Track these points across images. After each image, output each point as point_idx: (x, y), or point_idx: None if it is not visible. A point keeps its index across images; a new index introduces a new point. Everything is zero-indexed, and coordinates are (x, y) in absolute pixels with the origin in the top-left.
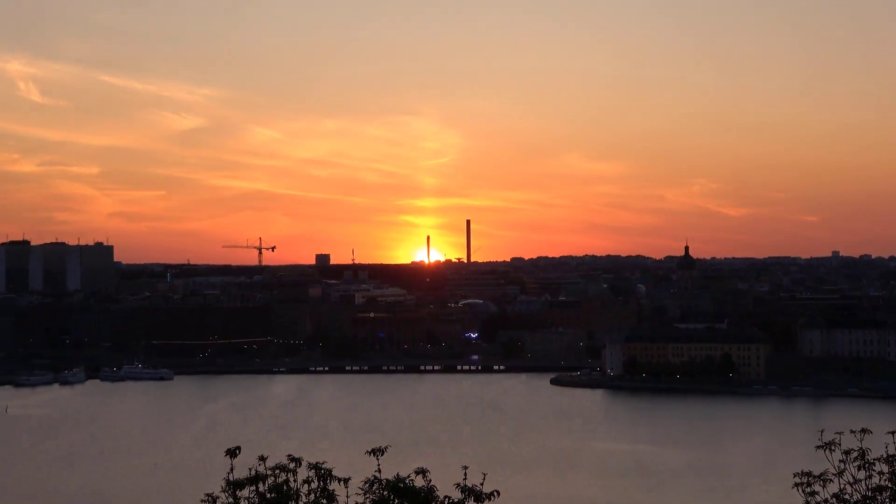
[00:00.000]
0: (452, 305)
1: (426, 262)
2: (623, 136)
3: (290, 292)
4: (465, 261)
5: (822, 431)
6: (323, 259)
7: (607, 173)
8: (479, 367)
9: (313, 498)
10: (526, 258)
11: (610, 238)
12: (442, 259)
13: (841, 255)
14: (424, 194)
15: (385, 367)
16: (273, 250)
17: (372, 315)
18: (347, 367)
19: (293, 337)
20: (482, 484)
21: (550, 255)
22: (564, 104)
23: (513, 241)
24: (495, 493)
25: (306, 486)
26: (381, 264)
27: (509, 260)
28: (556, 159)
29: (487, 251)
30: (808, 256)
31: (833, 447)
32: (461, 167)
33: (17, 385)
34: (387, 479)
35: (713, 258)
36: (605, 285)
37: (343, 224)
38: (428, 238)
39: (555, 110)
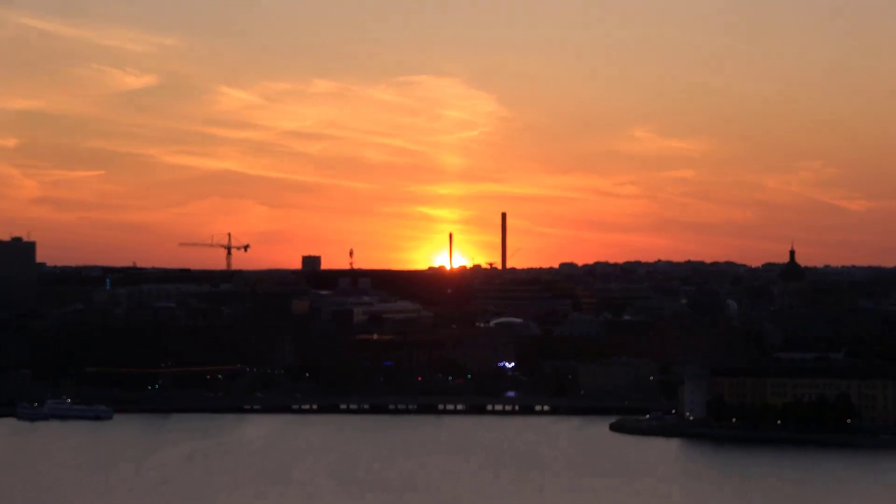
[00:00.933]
0: (482, 325)
1: (448, 267)
2: (708, 105)
3: (267, 306)
4: (500, 267)
5: None
6: (312, 263)
7: (687, 153)
8: (517, 408)
9: None
10: (579, 264)
11: (691, 238)
12: (468, 264)
13: None
14: (446, 179)
15: (392, 407)
16: (246, 250)
17: (375, 337)
18: (342, 406)
19: (271, 365)
20: None
21: (612, 261)
22: (632, 64)
23: (562, 242)
24: None
25: None
26: (389, 270)
27: (557, 266)
28: (621, 135)
29: (529, 255)
30: None
31: None
32: (495, 143)
33: None
34: None
35: (826, 266)
36: (683, 301)
37: (339, 217)
38: (450, 237)
39: (620, 72)
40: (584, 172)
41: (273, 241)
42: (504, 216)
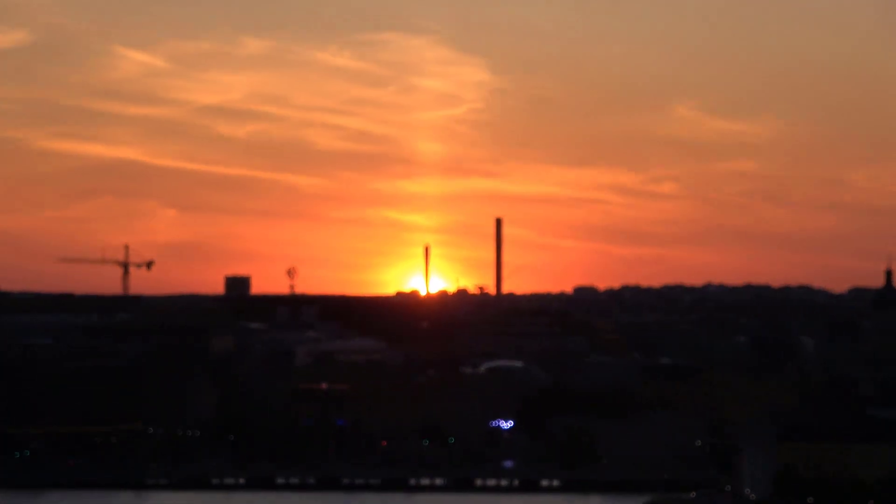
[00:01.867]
0: (469, 371)
1: (423, 293)
2: (776, 75)
3: (178, 344)
4: (493, 292)
5: None
6: (238, 285)
7: (747, 139)
8: (516, 483)
9: None
10: (601, 288)
11: (752, 255)
12: (451, 289)
13: None
14: (421, 172)
15: (347, 481)
16: (150, 268)
17: (325, 386)
18: (279, 480)
19: (183, 423)
20: None
21: (645, 284)
22: (672, 18)
23: (578, 259)
24: None
25: None
26: (343, 296)
27: (571, 292)
28: (657, 114)
29: (532, 275)
30: None
31: None
32: (487, 124)
33: None
34: None
35: None
36: (742, 338)
37: (276, 224)
38: (426, 251)
39: (655, 28)
40: (606, 164)
41: (186, 255)
42: (499, 223)
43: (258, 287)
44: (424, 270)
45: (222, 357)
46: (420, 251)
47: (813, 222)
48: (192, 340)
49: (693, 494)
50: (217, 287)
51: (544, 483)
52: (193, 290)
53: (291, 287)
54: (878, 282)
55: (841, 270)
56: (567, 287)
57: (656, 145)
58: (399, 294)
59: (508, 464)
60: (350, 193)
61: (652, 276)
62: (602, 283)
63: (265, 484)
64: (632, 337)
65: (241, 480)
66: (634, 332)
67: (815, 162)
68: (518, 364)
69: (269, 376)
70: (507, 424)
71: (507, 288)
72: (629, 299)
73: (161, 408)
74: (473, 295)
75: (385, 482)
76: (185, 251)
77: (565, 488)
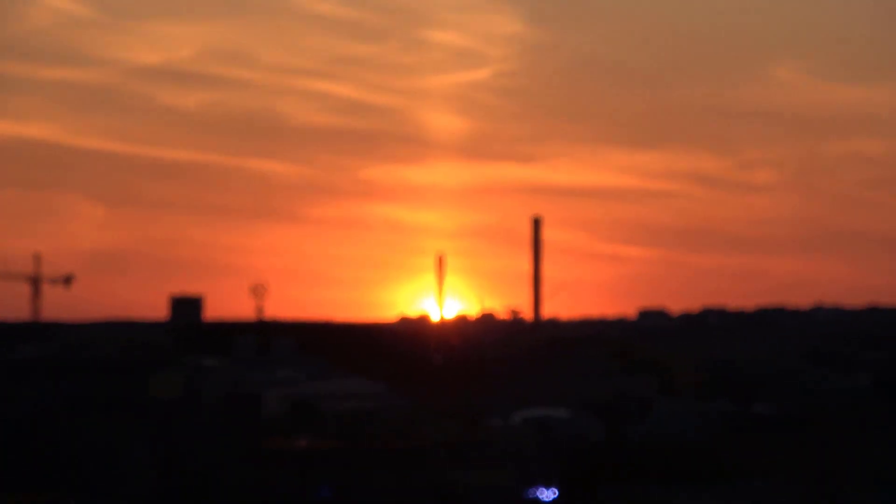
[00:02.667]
0: (498, 423)
1: (435, 317)
2: None
3: (105, 387)
4: (530, 317)
5: None
6: (188, 308)
7: (868, 109)
8: None
9: None
10: (675, 311)
11: (876, 266)
12: (473, 312)
13: None
14: (433, 154)
15: None
16: (68, 284)
17: (304, 444)
18: None
19: (111, 494)
20: None
21: (733, 306)
22: None
23: (644, 271)
24: None
25: None
26: (329, 322)
27: (634, 316)
28: (750, 76)
29: (581, 294)
30: None
31: None
32: (522, 91)
33: None
34: None
35: None
36: (863, 377)
37: (238, 225)
38: (440, 261)
39: None
40: (682, 145)
41: (118, 268)
42: (537, 225)
43: (214, 310)
44: (437, 288)
45: (166, 405)
46: (431, 262)
47: None
48: (124, 383)
49: None
50: (159, 310)
51: None
52: (127, 315)
53: (259, 310)
54: None
55: None
56: (629, 310)
57: (748, 120)
58: (403, 320)
59: None
60: (337, 185)
61: (743, 296)
62: (676, 305)
63: None
64: (715, 377)
65: None
66: (719, 370)
67: None
68: (563, 413)
69: (228, 430)
70: (548, 494)
71: (548, 311)
72: (713, 326)
73: (84, 471)
74: (503, 321)
75: None
76: (115, 262)
77: None
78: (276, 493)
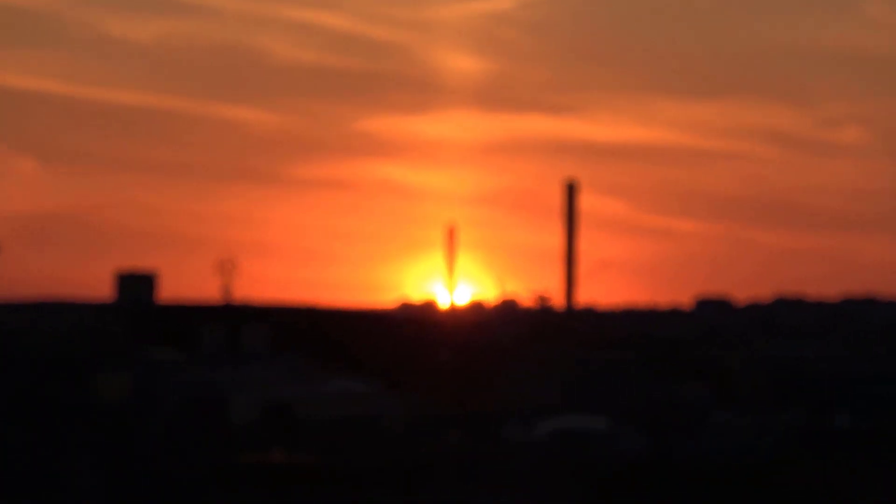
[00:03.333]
0: (520, 435)
1: (444, 303)
2: None
3: (35, 387)
4: (561, 304)
5: None
6: (139, 287)
7: None
8: None
9: None
10: (739, 300)
11: None
12: (491, 297)
13: None
14: (445, 102)
15: None
16: None
17: (280, 458)
18: None
19: None
20: None
21: (811, 296)
22: None
23: (702, 250)
24: None
25: None
26: (313, 308)
27: (689, 306)
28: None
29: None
30: None
31: None
32: (553, 25)
33: None
34: None
35: None
36: None
37: (202, 187)
38: (451, 233)
39: None
40: (750, 96)
41: (52, 236)
42: (571, 190)
43: (171, 290)
44: (447, 267)
45: (111, 408)
46: (440, 235)
47: None
48: (60, 382)
49: None
50: (103, 290)
51: None
52: (63, 295)
53: (226, 292)
54: None
55: None
56: (683, 298)
57: (832, 65)
58: (405, 306)
59: None
60: (326, 138)
61: (824, 282)
62: (741, 294)
63: None
64: (787, 382)
65: None
66: (792, 374)
67: None
68: (599, 424)
69: (188, 441)
70: None
71: (583, 297)
72: (785, 320)
73: (17, 488)
74: (528, 309)
75: None
76: (49, 229)
77: None
78: None
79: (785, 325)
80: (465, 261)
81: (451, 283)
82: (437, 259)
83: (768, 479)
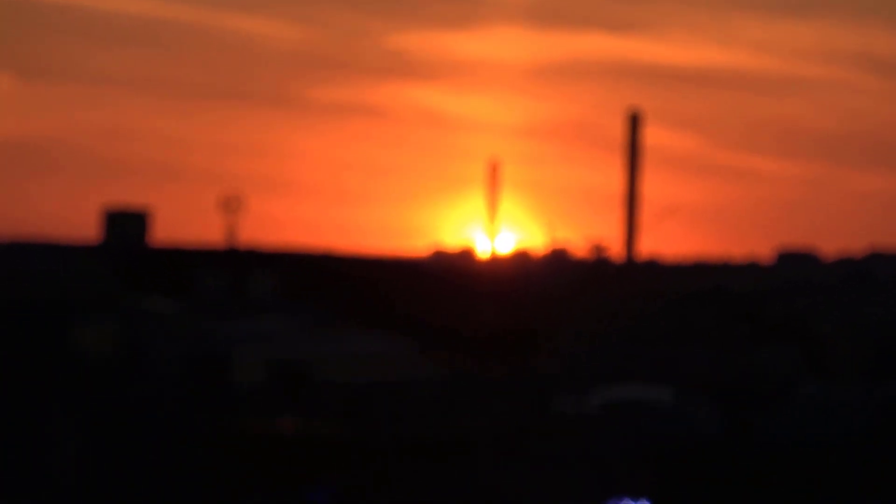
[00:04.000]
0: (571, 407)
1: (485, 251)
2: None
3: (11, 338)
4: (621, 255)
5: None
6: (129, 226)
7: None
8: None
9: None
10: (828, 256)
11: None
12: (539, 246)
13: None
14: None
15: None
16: None
17: (292, 426)
18: None
19: (28, 486)
20: None
21: None
22: None
23: (788, 194)
24: None
25: None
26: (332, 254)
27: (773, 259)
28: None
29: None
30: None
31: None
32: None
33: None
34: None
35: None
36: None
37: (203, 108)
38: (494, 170)
39: None
40: (847, 13)
41: (28, 164)
42: (635, 121)
43: (167, 231)
44: (489, 210)
45: (97, 365)
46: (481, 172)
47: None
48: (38, 332)
49: None
50: (88, 228)
51: None
52: (41, 234)
53: (230, 233)
54: None
55: None
56: (763, 251)
57: None
58: (439, 254)
59: None
60: (350, 56)
61: None
62: (832, 246)
63: None
64: (885, 350)
65: None
66: (890, 340)
67: None
68: (664, 396)
69: (183, 405)
70: None
71: (646, 248)
72: (883, 277)
73: None
74: (582, 260)
75: None
76: (25, 155)
77: None
78: (249, 495)
79: (882, 282)
80: (509, 203)
81: (493, 228)
82: (477, 200)
83: (863, 458)
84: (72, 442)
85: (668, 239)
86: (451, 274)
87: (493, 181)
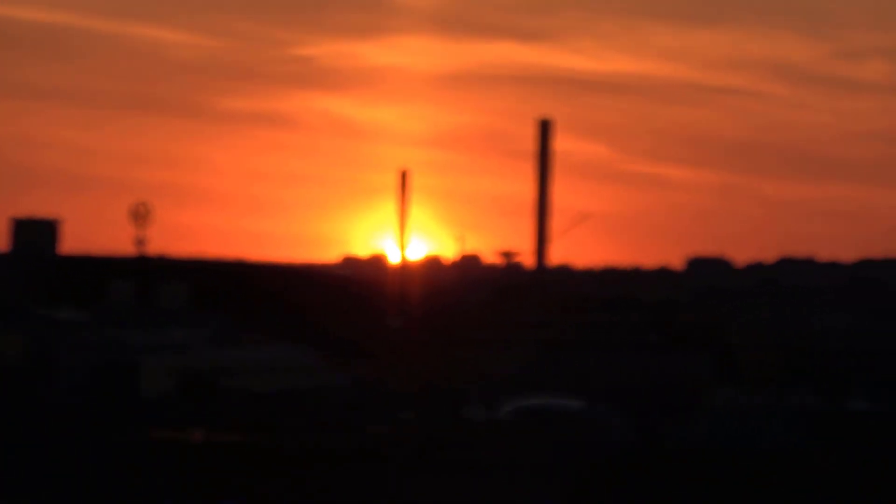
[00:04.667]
0: (481, 416)
1: (394, 259)
2: None
3: None
4: (531, 262)
5: None
6: (38, 235)
7: None
8: None
9: None
10: (738, 261)
11: None
12: (449, 253)
13: None
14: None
15: None
16: None
17: (199, 437)
18: None
19: None
20: None
21: (822, 256)
22: None
23: (696, 202)
24: None
25: None
26: (242, 262)
27: (681, 266)
28: None
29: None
30: None
31: None
32: None
33: None
34: None
35: None
36: None
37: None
38: (403, 178)
39: None
40: (754, 21)
41: None
42: (545, 129)
43: (76, 241)
44: (399, 218)
45: (3, 375)
46: (392, 180)
47: None
48: None
49: None
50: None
51: None
52: None
53: (139, 242)
54: None
55: None
56: (674, 258)
57: None
58: (347, 260)
59: None
60: (260, 65)
61: (838, 243)
62: (741, 254)
63: None
64: (795, 357)
65: None
66: (800, 347)
67: None
68: (575, 404)
69: (91, 415)
70: None
71: (557, 256)
72: (792, 283)
73: None
74: (492, 267)
75: None
76: None
77: None
78: None
79: (791, 289)
80: (419, 211)
81: (402, 236)
82: (387, 209)
83: (774, 466)
84: None
85: (578, 247)
86: (358, 282)
87: (403, 189)
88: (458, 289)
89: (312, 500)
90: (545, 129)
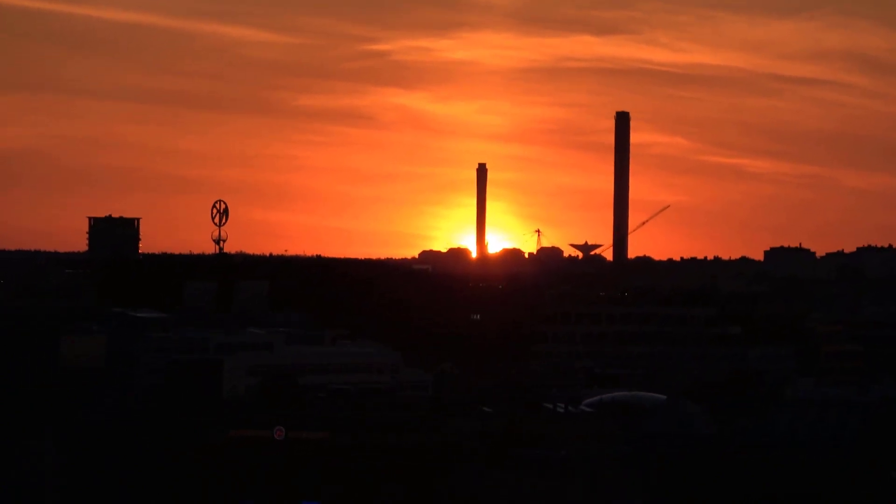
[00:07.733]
0: (561, 409)
1: (472, 254)
2: None
3: None
4: (610, 255)
5: None
6: (116, 236)
7: None
8: None
9: None
10: (819, 253)
11: None
12: (527, 247)
13: None
14: (479, 19)
15: None
16: None
17: (281, 434)
18: None
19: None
20: None
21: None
22: None
23: (778, 194)
24: None
25: None
26: (320, 258)
27: (762, 257)
28: None
29: (687, 223)
30: None
31: None
32: None
33: None
34: None
35: None
36: None
37: (191, 118)
38: (481, 172)
39: None
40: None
41: (16, 176)
42: (622, 122)
43: (153, 241)
44: (477, 213)
45: (82, 375)
46: (469, 175)
47: None
48: (23, 343)
49: None
50: (76, 239)
51: None
52: (26, 246)
53: (219, 241)
54: None
55: None
56: (756, 250)
57: None
58: (424, 254)
59: None
60: (337, 62)
61: None
62: (822, 244)
63: None
64: (877, 349)
65: None
66: (882, 339)
67: None
68: (656, 398)
69: (173, 414)
70: None
71: (636, 249)
72: (877, 275)
73: None
74: (571, 260)
75: None
76: (14, 167)
77: None
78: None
79: (879, 280)
80: (497, 205)
81: (481, 232)
82: (467, 206)
83: (855, 459)
84: (52, 452)
85: (658, 239)
86: (439, 278)
87: (483, 184)
88: (538, 282)
89: (394, 497)
90: (623, 122)
